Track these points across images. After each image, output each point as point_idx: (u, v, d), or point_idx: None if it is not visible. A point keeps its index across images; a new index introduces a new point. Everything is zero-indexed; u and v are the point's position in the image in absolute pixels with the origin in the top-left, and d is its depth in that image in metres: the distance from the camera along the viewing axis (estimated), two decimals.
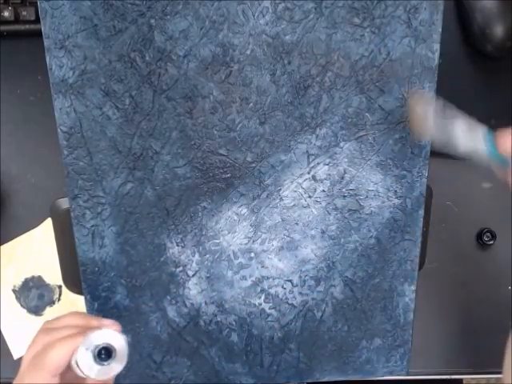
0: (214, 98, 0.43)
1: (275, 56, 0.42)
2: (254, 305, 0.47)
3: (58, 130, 0.42)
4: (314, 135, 0.44)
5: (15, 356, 0.56)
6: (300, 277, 0.47)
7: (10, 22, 0.54)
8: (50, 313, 0.56)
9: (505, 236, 0.60)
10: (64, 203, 0.47)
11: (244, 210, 0.45)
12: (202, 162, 0.44)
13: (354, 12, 0.42)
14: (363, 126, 0.44)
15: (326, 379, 0.50)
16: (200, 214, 0.45)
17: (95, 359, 0.33)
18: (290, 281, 0.47)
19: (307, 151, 0.45)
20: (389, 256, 0.47)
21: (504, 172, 0.38)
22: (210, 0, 0.41)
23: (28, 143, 0.56)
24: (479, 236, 0.60)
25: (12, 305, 0.56)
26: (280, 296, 0.47)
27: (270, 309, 0.47)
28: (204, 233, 0.45)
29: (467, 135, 0.38)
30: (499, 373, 0.61)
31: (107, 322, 0.36)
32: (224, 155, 0.44)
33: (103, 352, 0.34)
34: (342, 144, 0.45)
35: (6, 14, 0.53)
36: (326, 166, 0.45)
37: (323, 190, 0.46)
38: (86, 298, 0.46)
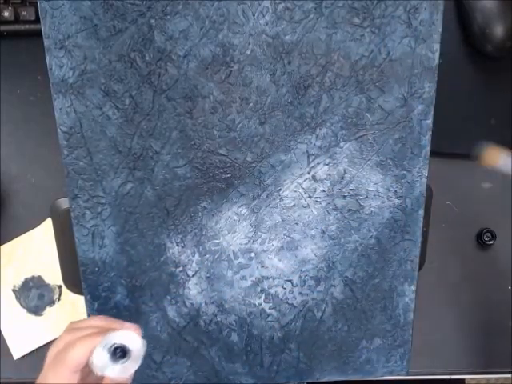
0: (213, 98, 0.43)
1: (275, 56, 0.42)
2: (254, 305, 0.47)
3: (58, 130, 0.42)
4: (313, 135, 0.44)
5: (15, 356, 0.56)
6: (300, 277, 0.47)
7: (9, 22, 0.54)
8: (49, 313, 0.56)
9: (505, 236, 0.60)
10: (64, 203, 0.47)
11: (244, 210, 0.45)
12: (202, 161, 0.44)
13: (354, 12, 0.42)
14: (363, 126, 0.45)
15: (326, 379, 0.50)
16: (200, 214, 0.45)
17: (111, 357, 0.35)
18: (290, 281, 0.47)
19: (307, 151, 0.45)
20: (389, 256, 0.47)
21: None
22: (209, 0, 0.41)
23: (28, 143, 0.56)
24: (479, 236, 0.60)
25: (12, 305, 0.56)
26: (280, 296, 0.47)
27: (270, 309, 0.47)
28: (204, 233, 0.45)
29: None
30: (499, 373, 0.61)
31: (129, 325, 0.38)
32: (224, 155, 0.44)
33: (119, 351, 0.35)
34: (342, 144, 0.45)
35: (5, 13, 0.53)
36: (326, 166, 0.45)
37: (323, 190, 0.46)
38: (86, 298, 0.46)
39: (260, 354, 0.48)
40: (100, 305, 0.46)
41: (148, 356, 0.47)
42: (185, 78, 0.42)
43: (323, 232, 0.46)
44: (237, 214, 0.45)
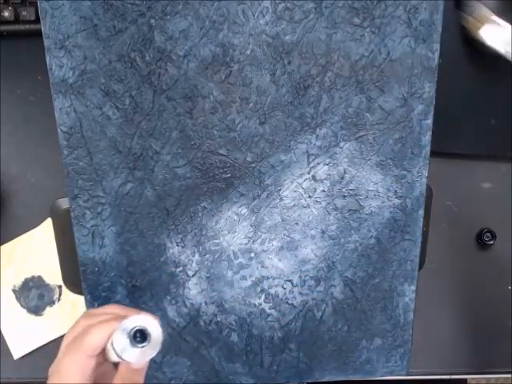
0: (213, 98, 0.43)
1: (275, 56, 0.42)
2: (254, 305, 0.47)
3: (58, 130, 0.42)
4: (313, 135, 0.44)
5: (15, 356, 0.56)
6: (300, 277, 0.47)
7: (9, 22, 0.54)
8: (49, 313, 0.56)
9: (505, 236, 0.60)
10: (64, 203, 0.47)
11: (244, 210, 0.45)
12: (202, 161, 0.44)
13: (354, 12, 0.42)
14: (363, 126, 0.45)
15: (325, 379, 0.50)
16: (200, 214, 0.45)
17: (130, 341, 0.34)
18: (290, 281, 0.47)
19: (307, 151, 0.45)
20: (389, 256, 0.47)
21: None
22: (209, 0, 0.41)
23: (28, 143, 0.56)
24: (479, 236, 0.60)
25: (12, 305, 0.56)
26: (280, 296, 0.47)
27: (270, 309, 0.47)
28: (204, 233, 0.45)
29: None
30: (499, 373, 0.61)
31: (145, 312, 0.37)
32: (224, 155, 0.44)
33: (138, 335, 0.34)
34: (342, 144, 0.45)
35: (6, 13, 0.53)
36: (326, 166, 0.45)
37: (323, 190, 0.46)
38: (86, 298, 0.46)
39: (260, 354, 0.48)
40: (100, 305, 0.46)
41: None
42: (185, 78, 0.42)
43: (323, 232, 0.46)
44: (237, 214, 0.45)
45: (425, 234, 0.49)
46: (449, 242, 0.60)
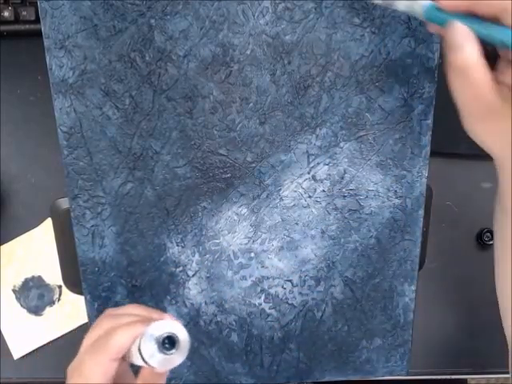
0: (213, 98, 0.43)
1: (275, 56, 0.42)
2: (254, 305, 0.47)
3: (58, 130, 0.42)
4: (313, 135, 0.44)
5: (15, 356, 0.56)
6: (300, 277, 0.47)
7: (9, 22, 0.54)
8: (49, 313, 0.56)
9: None
10: (64, 203, 0.47)
11: (244, 210, 0.45)
12: (202, 161, 0.44)
13: (354, 12, 0.42)
14: (363, 126, 0.44)
15: (325, 379, 0.50)
16: (200, 214, 0.45)
17: (159, 347, 0.33)
18: (290, 281, 0.47)
19: (307, 151, 0.45)
20: (389, 256, 0.47)
21: (436, 28, 0.36)
22: (209, 0, 0.41)
23: (28, 143, 0.56)
24: (479, 236, 0.60)
25: (12, 305, 0.56)
26: (280, 296, 0.47)
27: (270, 309, 0.47)
28: (204, 233, 0.45)
29: None
30: (499, 373, 0.61)
31: (168, 315, 0.37)
32: (224, 155, 0.44)
33: (167, 341, 0.33)
34: (341, 144, 0.45)
35: (6, 13, 0.53)
36: (326, 166, 0.45)
37: (323, 190, 0.46)
38: (85, 298, 0.46)
39: (260, 354, 0.48)
40: (100, 305, 0.46)
41: None
42: (185, 78, 0.42)
43: (323, 232, 0.46)
44: (237, 213, 0.45)
45: (425, 234, 0.49)
46: (449, 241, 0.60)
